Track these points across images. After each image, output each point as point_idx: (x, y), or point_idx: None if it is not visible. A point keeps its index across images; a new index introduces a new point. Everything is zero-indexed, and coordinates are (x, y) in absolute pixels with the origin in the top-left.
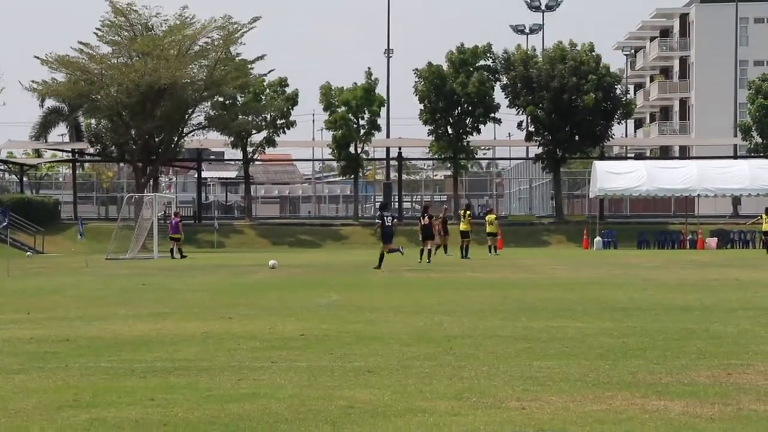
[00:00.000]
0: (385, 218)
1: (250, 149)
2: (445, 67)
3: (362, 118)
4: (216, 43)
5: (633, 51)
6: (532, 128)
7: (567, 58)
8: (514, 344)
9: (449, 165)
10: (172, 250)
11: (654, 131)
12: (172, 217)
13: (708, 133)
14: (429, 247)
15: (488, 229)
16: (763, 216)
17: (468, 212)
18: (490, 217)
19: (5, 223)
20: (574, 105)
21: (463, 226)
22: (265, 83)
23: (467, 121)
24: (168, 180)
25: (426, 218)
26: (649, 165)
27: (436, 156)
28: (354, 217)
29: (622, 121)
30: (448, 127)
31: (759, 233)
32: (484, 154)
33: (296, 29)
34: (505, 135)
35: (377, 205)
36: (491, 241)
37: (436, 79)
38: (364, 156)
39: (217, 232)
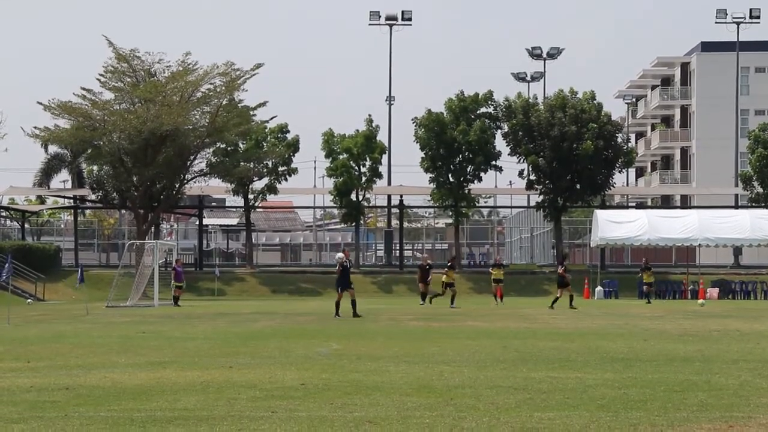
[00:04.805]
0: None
1: (251, 196)
2: (445, 114)
3: (363, 166)
4: (218, 89)
5: (634, 99)
6: (533, 177)
7: (567, 107)
8: (515, 395)
9: (450, 213)
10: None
11: (655, 180)
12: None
13: (709, 183)
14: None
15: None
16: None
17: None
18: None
19: (7, 275)
20: (575, 153)
21: None
22: (266, 130)
23: (468, 169)
24: (169, 227)
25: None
26: (651, 214)
27: (437, 204)
28: (355, 265)
29: (623, 170)
30: (449, 175)
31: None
32: (485, 202)
33: (298, 75)
34: (507, 183)
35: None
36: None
37: (436, 127)
38: (366, 203)
39: (219, 279)
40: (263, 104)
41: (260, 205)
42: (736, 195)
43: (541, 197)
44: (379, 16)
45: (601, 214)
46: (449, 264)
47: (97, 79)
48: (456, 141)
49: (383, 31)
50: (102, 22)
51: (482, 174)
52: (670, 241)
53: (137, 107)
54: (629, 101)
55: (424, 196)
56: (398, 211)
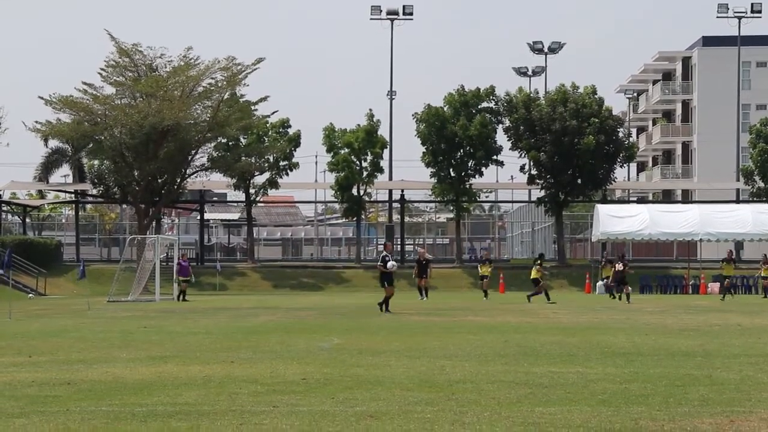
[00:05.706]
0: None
1: (252, 191)
2: (445, 109)
3: (364, 160)
4: (220, 84)
5: (635, 94)
6: (534, 171)
7: (569, 101)
8: (516, 390)
9: (451, 208)
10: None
11: (656, 175)
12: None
13: (710, 177)
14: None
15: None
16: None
17: None
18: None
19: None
20: (576, 148)
21: None
22: (267, 125)
23: (469, 164)
24: (170, 222)
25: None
26: (652, 209)
27: (438, 198)
28: (356, 260)
29: (625, 165)
30: (450, 170)
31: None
32: (486, 196)
33: (299, 70)
34: (508, 177)
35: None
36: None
37: (437, 122)
38: (367, 198)
39: (220, 274)
40: (264, 99)
41: (261, 199)
42: (738, 190)
43: (543, 192)
44: (381, 11)
45: (602, 209)
46: (538, 260)
47: (99, 74)
48: (457, 136)
49: (384, 25)
50: (104, 17)
51: (483, 169)
52: (672, 235)
53: (138, 102)
54: (630, 96)
55: (425, 190)
56: (399, 205)
